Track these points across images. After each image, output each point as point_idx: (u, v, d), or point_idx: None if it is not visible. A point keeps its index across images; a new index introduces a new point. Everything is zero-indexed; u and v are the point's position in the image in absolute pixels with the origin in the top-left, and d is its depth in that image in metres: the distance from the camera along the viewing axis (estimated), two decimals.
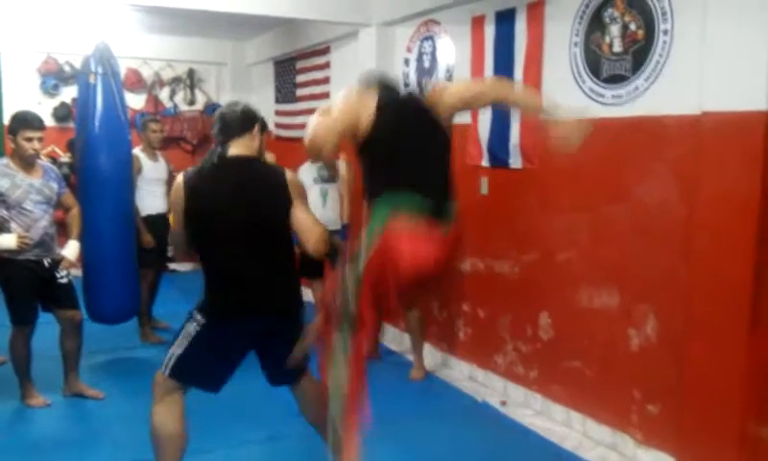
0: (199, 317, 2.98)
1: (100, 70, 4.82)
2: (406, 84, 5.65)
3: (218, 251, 2.97)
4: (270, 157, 6.45)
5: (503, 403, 4.55)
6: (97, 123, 4.78)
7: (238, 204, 2.91)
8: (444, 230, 2.75)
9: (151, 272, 5.76)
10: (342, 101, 3.01)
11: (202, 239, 2.98)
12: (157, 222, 5.66)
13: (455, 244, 3.02)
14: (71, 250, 4.37)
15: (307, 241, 3.09)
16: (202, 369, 3.08)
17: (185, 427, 3.09)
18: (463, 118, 4.84)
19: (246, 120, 3.07)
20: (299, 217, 3.03)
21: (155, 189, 5.74)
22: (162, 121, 6.59)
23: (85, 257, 4.79)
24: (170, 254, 5.89)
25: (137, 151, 5.68)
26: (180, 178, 2.97)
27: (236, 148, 3.00)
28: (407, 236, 2.60)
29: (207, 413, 4.23)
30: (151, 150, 5.78)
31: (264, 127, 3.35)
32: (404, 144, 2.82)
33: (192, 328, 2.98)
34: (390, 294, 2.71)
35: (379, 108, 2.83)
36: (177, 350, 3.01)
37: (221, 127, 3.01)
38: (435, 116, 2.87)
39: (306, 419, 3.38)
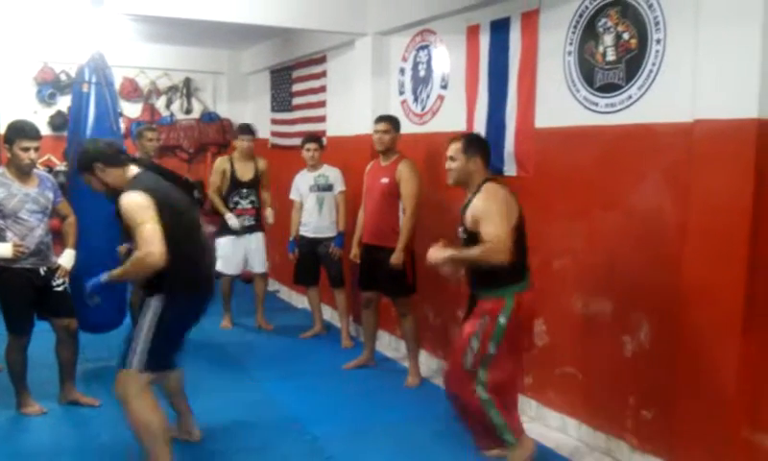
0: (158, 301, 3.31)
1: (93, 80, 4.84)
2: (401, 93, 5.69)
3: (185, 239, 3.37)
4: (262, 164, 6.51)
5: None
6: (89, 132, 4.79)
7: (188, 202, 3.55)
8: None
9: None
10: (500, 202, 3.36)
11: (174, 232, 3.24)
12: None
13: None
14: (67, 258, 4.38)
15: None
16: (171, 348, 3.56)
17: None
18: (458, 126, 4.89)
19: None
20: None
21: None
22: (158, 130, 6.58)
23: (76, 266, 4.78)
24: None
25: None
26: (138, 194, 3.23)
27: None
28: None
29: (201, 421, 4.25)
30: (147, 159, 5.72)
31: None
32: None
33: (152, 317, 3.31)
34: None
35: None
36: (144, 345, 3.31)
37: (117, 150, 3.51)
38: None
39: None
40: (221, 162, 6.43)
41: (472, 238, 3.37)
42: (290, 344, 6.16)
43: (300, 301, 7.50)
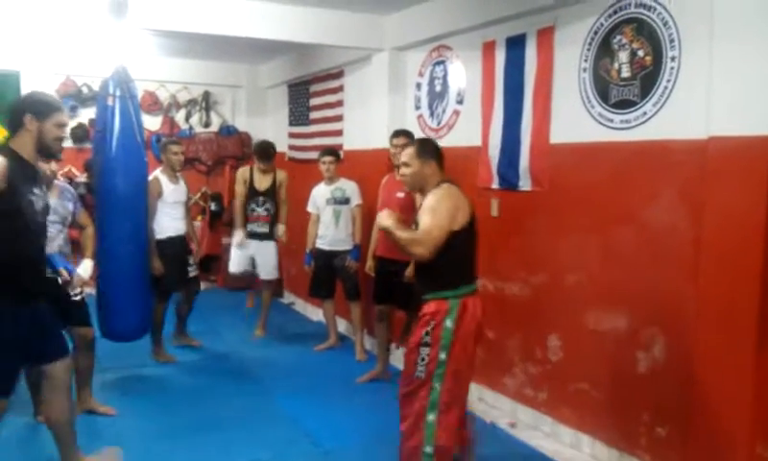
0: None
1: (118, 93, 4.89)
2: (417, 107, 5.73)
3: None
4: (281, 176, 6.60)
5: (512, 425, 4.56)
6: (114, 145, 4.85)
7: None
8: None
9: (166, 294, 5.82)
10: (448, 202, 3.24)
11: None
12: (176, 243, 5.78)
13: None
14: (85, 268, 4.43)
15: None
16: None
17: None
18: (473, 141, 4.92)
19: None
20: None
21: (174, 211, 5.80)
22: (182, 143, 6.69)
23: (100, 276, 4.86)
24: (192, 273, 5.99)
25: (158, 173, 5.73)
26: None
27: None
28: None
29: (215, 432, 4.28)
30: (172, 172, 5.80)
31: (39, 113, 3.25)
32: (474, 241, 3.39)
33: None
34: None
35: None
36: None
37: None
38: None
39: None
40: (243, 172, 6.61)
41: None
42: (304, 356, 6.19)
43: (314, 313, 7.53)
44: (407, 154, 3.43)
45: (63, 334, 3.68)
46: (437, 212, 3.17)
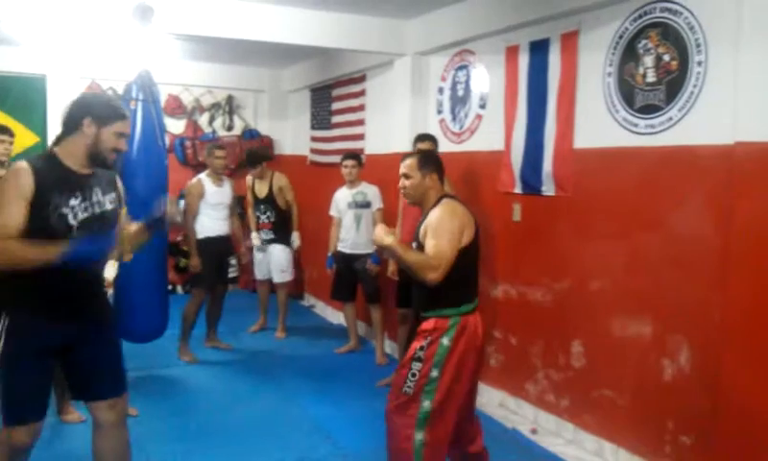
0: None
1: (141, 97, 4.93)
2: (439, 112, 5.72)
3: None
4: (278, 179, 6.75)
5: (534, 431, 4.53)
6: (135, 148, 4.90)
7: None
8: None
9: (202, 292, 5.97)
10: (455, 221, 3.15)
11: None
12: (216, 243, 5.99)
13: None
14: (110, 270, 4.47)
15: None
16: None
17: None
18: (495, 145, 4.90)
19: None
20: None
21: (216, 213, 6.04)
22: (226, 146, 6.96)
23: (119, 277, 4.89)
24: (232, 274, 6.18)
25: (203, 176, 6.08)
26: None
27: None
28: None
29: (235, 434, 4.29)
30: (216, 175, 6.09)
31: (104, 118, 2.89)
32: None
33: None
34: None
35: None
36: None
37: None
38: None
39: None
40: (249, 180, 6.86)
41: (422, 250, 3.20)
42: (325, 358, 6.20)
43: (335, 316, 7.54)
44: (408, 165, 3.31)
45: (122, 369, 3.18)
46: (449, 233, 3.08)
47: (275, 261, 6.78)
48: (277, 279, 6.83)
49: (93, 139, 2.82)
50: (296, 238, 6.79)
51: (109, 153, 2.88)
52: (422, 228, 3.20)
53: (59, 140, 2.88)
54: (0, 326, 2.77)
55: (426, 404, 3.09)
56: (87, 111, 2.82)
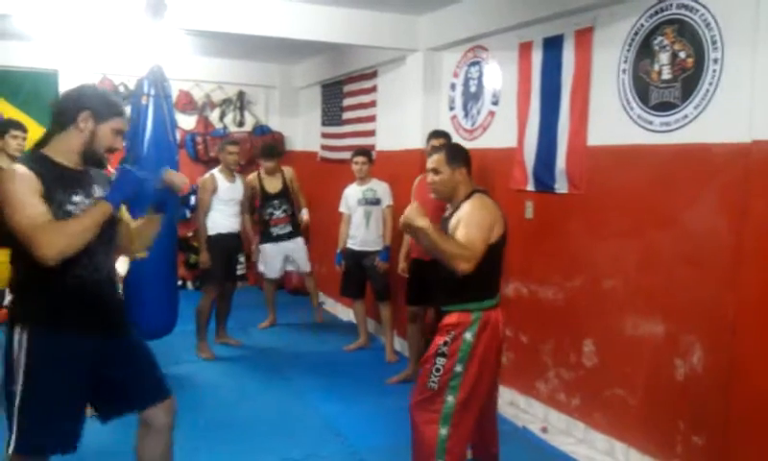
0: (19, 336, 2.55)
1: (152, 92, 4.94)
2: (451, 108, 5.70)
3: None
4: (288, 173, 6.75)
5: (544, 430, 4.51)
6: (146, 144, 4.90)
7: None
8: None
9: (214, 288, 5.96)
10: (487, 214, 3.13)
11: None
12: (226, 240, 5.99)
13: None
14: (122, 265, 4.48)
15: None
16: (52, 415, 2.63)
17: None
18: (508, 142, 4.88)
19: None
20: None
21: (228, 209, 6.05)
22: (239, 142, 6.89)
23: (128, 273, 4.89)
24: (240, 271, 6.19)
25: (215, 172, 6.07)
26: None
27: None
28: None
29: (245, 431, 4.28)
30: (228, 171, 6.10)
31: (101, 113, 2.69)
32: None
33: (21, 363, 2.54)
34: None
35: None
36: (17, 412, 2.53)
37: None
38: None
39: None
40: (251, 180, 6.75)
41: None
42: (334, 355, 6.20)
43: (344, 313, 7.53)
44: (436, 160, 3.26)
45: (159, 373, 2.97)
46: (480, 226, 3.04)
47: (299, 253, 6.79)
48: (306, 268, 6.89)
49: (89, 136, 2.61)
50: (305, 213, 6.86)
51: (105, 151, 2.68)
52: (453, 221, 3.16)
53: (47, 139, 2.64)
54: (19, 341, 2.52)
55: (450, 400, 3.10)
56: (83, 105, 2.61)
